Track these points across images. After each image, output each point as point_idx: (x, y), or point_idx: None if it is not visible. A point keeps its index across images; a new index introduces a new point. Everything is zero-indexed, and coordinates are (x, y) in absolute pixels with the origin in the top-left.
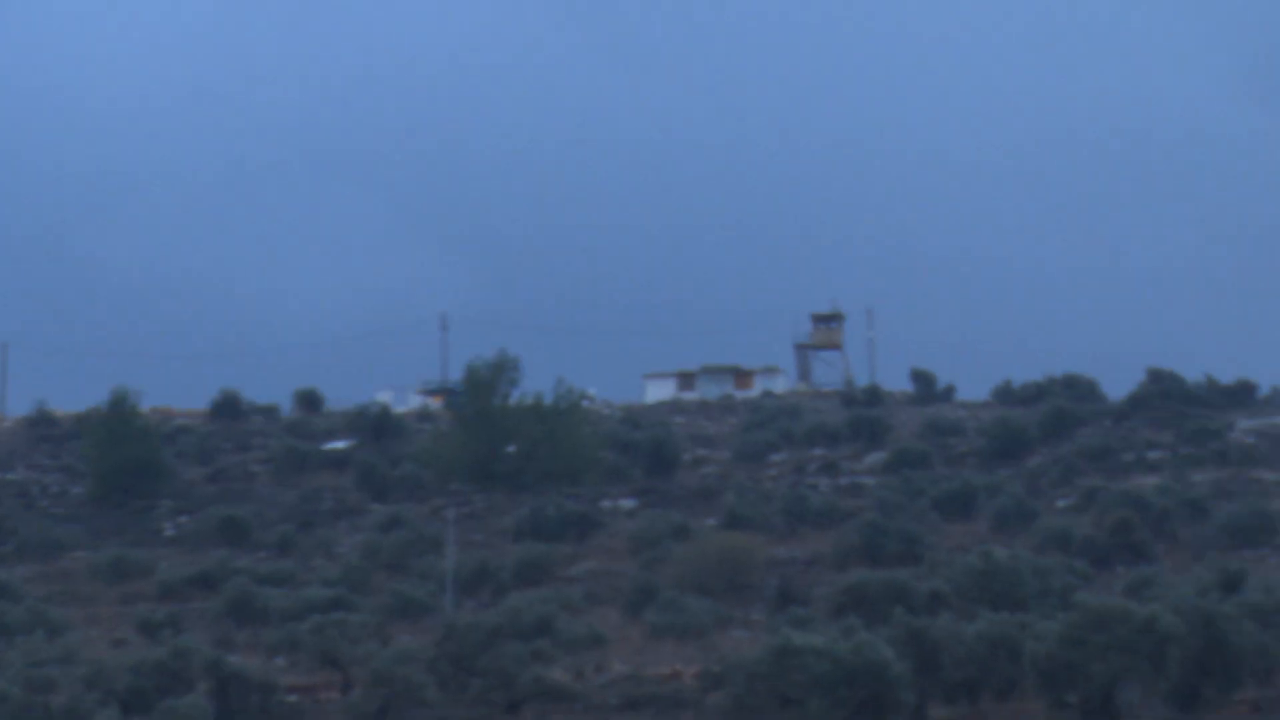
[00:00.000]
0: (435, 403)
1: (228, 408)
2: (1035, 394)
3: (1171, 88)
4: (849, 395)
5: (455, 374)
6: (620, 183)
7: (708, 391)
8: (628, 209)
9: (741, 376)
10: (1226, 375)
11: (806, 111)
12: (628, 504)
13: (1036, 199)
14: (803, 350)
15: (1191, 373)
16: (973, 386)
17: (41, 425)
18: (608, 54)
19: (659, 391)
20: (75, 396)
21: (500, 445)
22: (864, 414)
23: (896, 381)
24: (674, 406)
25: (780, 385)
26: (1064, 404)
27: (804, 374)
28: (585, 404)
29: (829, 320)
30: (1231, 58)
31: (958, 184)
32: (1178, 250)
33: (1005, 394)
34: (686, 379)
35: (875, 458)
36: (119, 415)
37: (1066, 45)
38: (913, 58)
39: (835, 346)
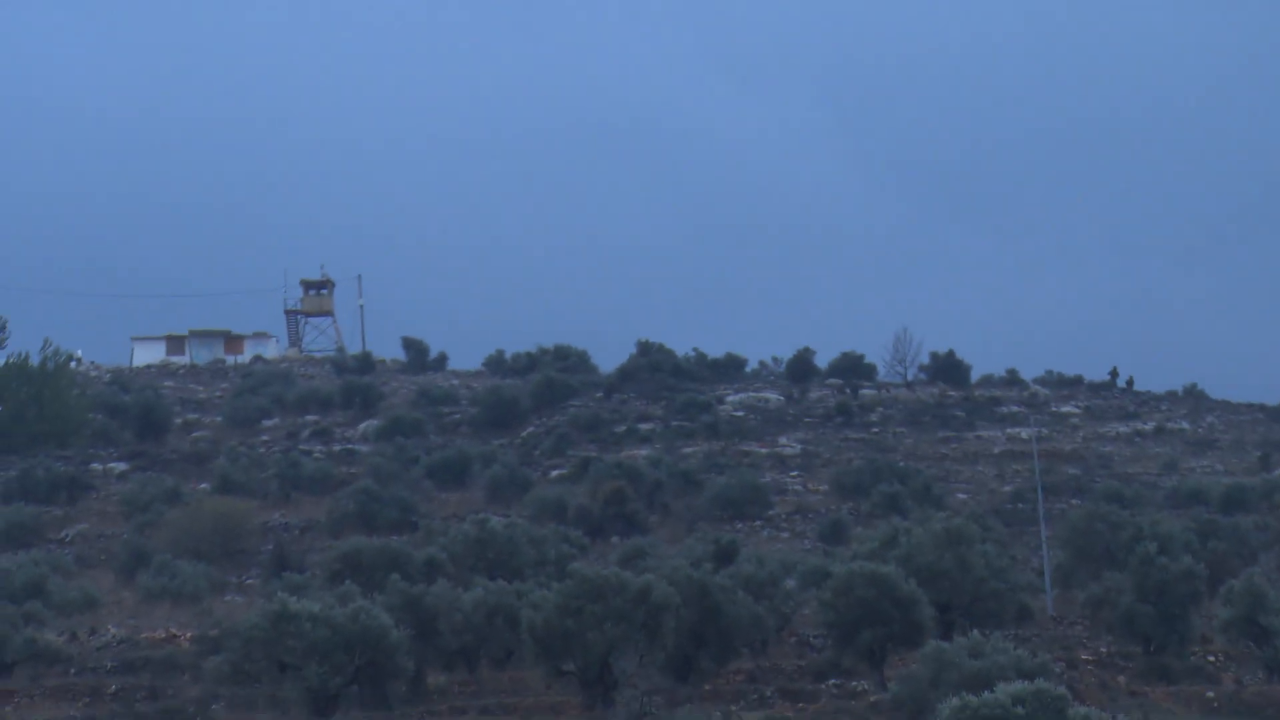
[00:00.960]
0: None
1: None
2: (527, 364)
3: (668, 84)
4: (341, 362)
5: None
6: (111, 151)
7: (198, 355)
8: (122, 177)
9: (232, 341)
10: (715, 350)
11: (293, 87)
12: (119, 467)
13: (524, 177)
14: (293, 316)
15: (681, 347)
16: (464, 356)
17: None
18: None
19: (147, 355)
20: None
21: None
22: (356, 381)
23: (388, 350)
24: (163, 370)
25: (271, 351)
26: (555, 375)
27: (295, 340)
28: (73, 366)
29: (319, 287)
30: (720, 60)
31: (444, 159)
32: (664, 232)
33: (497, 364)
34: (176, 342)
35: (368, 425)
36: None
37: (553, 35)
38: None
39: (326, 313)
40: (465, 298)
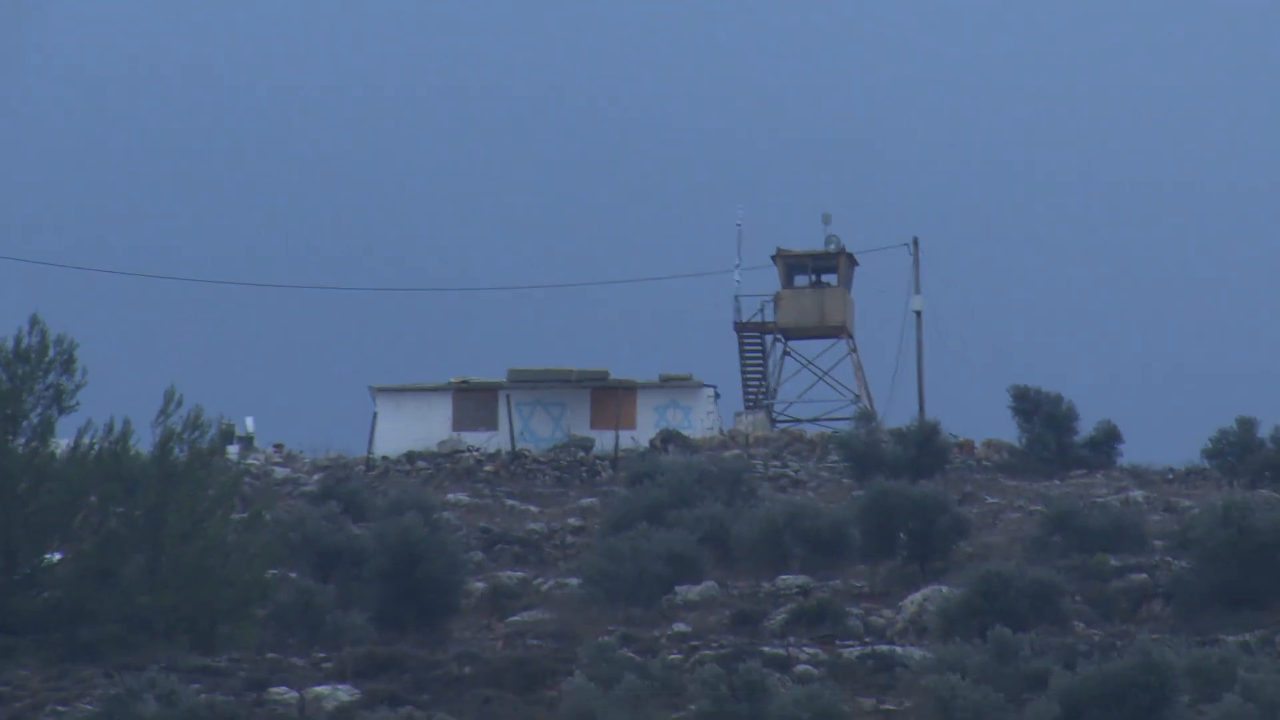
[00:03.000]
0: None
1: None
2: None
3: None
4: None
5: None
6: None
7: (531, 428)
8: None
9: (603, 399)
10: None
11: None
12: (340, 693)
13: None
14: (754, 335)
15: None
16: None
17: None
18: None
19: (407, 425)
20: None
21: None
22: None
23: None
24: (449, 461)
25: (703, 421)
26: None
27: (760, 392)
28: (233, 454)
29: (816, 264)
30: None
31: None
32: None
33: None
34: (478, 399)
35: None
36: None
37: None
38: None
39: (835, 329)
40: None
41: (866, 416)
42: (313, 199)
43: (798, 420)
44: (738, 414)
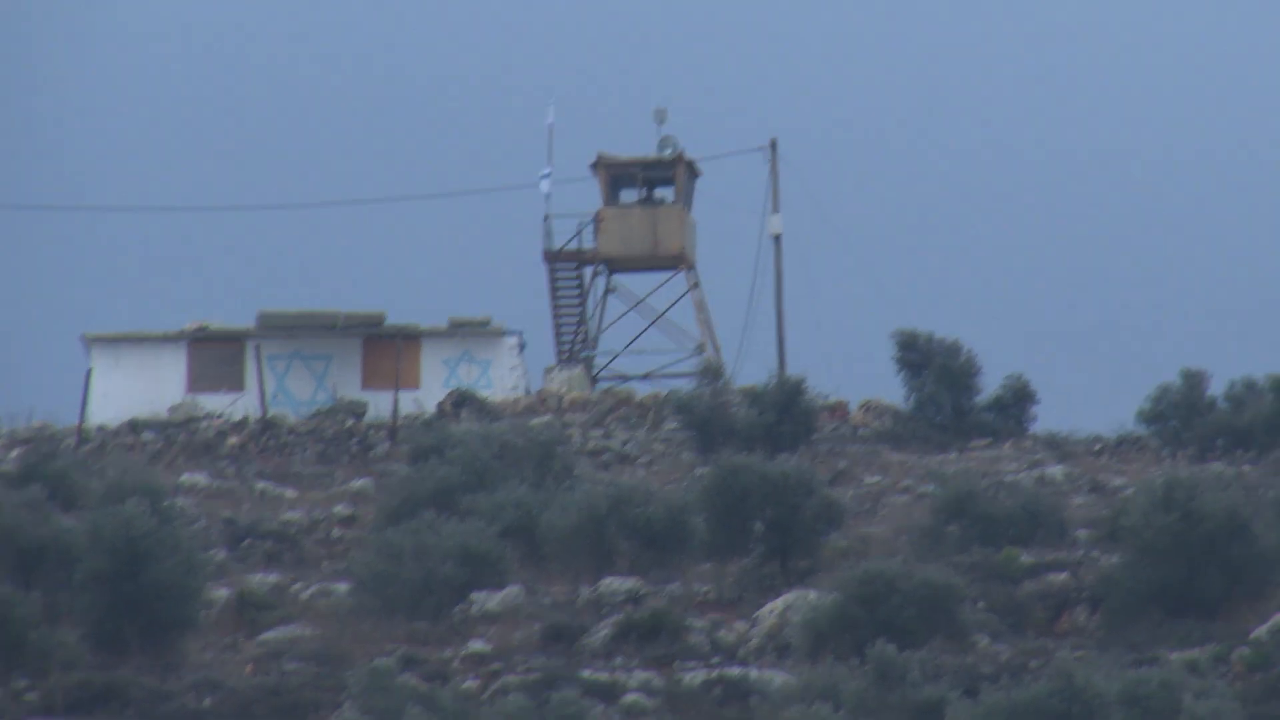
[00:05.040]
0: None
1: None
2: None
3: None
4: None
5: None
6: None
7: (288, 390)
8: None
9: (376, 350)
10: None
11: None
12: None
13: None
14: (568, 267)
15: None
16: None
17: None
18: None
19: (130, 385)
20: None
21: None
22: None
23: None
24: (185, 433)
25: (503, 379)
26: None
27: (575, 337)
28: None
29: (645, 175)
30: None
31: None
32: None
33: None
34: (220, 351)
35: None
36: None
37: None
38: None
39: (670, 259)
40: None
41: (712, 372)
42: (9, 94)
43: (625, 378)
44: (549, 369)
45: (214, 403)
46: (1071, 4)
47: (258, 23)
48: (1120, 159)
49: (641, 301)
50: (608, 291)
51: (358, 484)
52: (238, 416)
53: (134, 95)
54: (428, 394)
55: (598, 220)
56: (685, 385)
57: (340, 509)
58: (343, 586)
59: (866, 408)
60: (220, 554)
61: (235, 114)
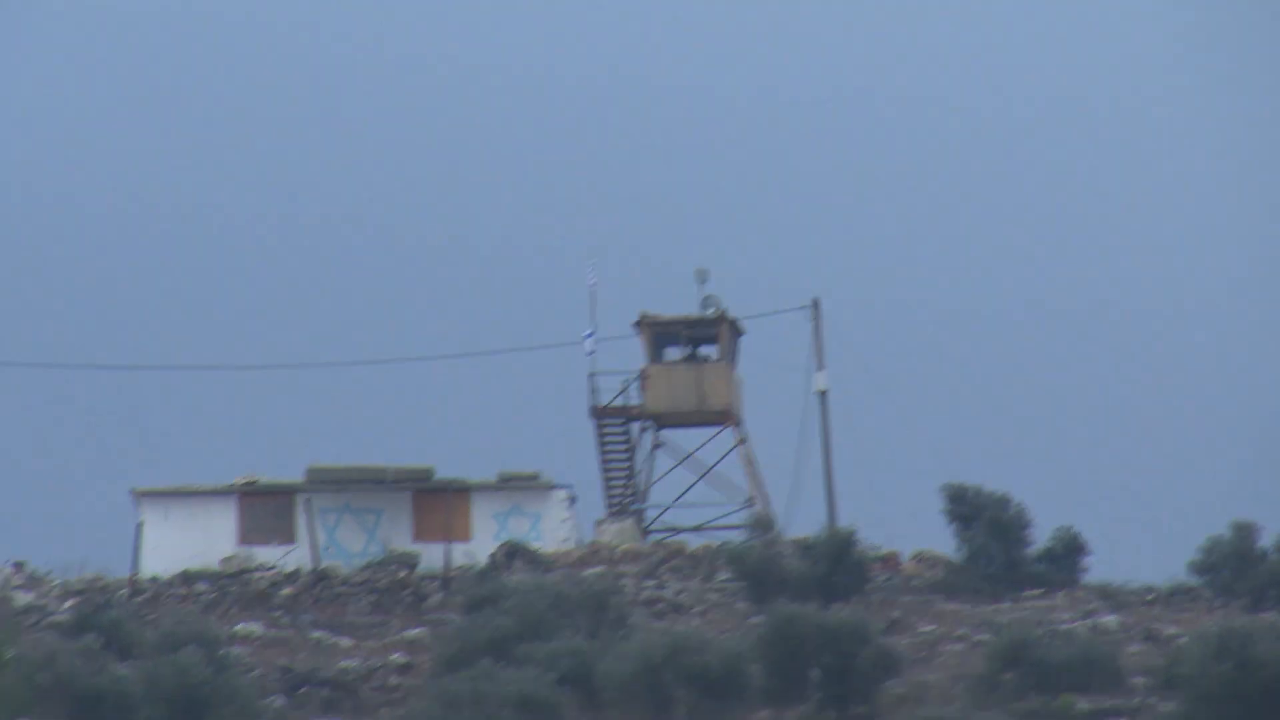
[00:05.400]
0: None
1: None
2: None
3: None
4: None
5: None
6: None
7: (338, 543)
8: None
9: (425, 505)
10: None
11: None
12: None
13: None
14: (624, 424)
15: None
16: None
17: None
18: None
19: (180, 538)
20: None
21: None
22: None
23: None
24: (236, 586)
25: (554, 529)
26: None
27: (625, 489)
28: None
29: (693, 333)
30: None
31: None
32: None
33: None
34: (268, 505)
35: None
36: None
37: None
38: None
39: (716, 415)
40: None
41: (763, 524)
42: (59, 257)
43: (676, 529)
44: (599, 522)
45: (266, 554)
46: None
47: (305, 176)
48: (1168, 305)
49: (690, 456)
50: (655, 446)
51: (412, 633)
52: (290, 568)
53: (182, 253)
54: (479, 545)
55: (643, 377)
56: (736, 537)
57: (396, 657)
58: None
59: (919, 558)
60: (278, 701)
61: (283, 271)
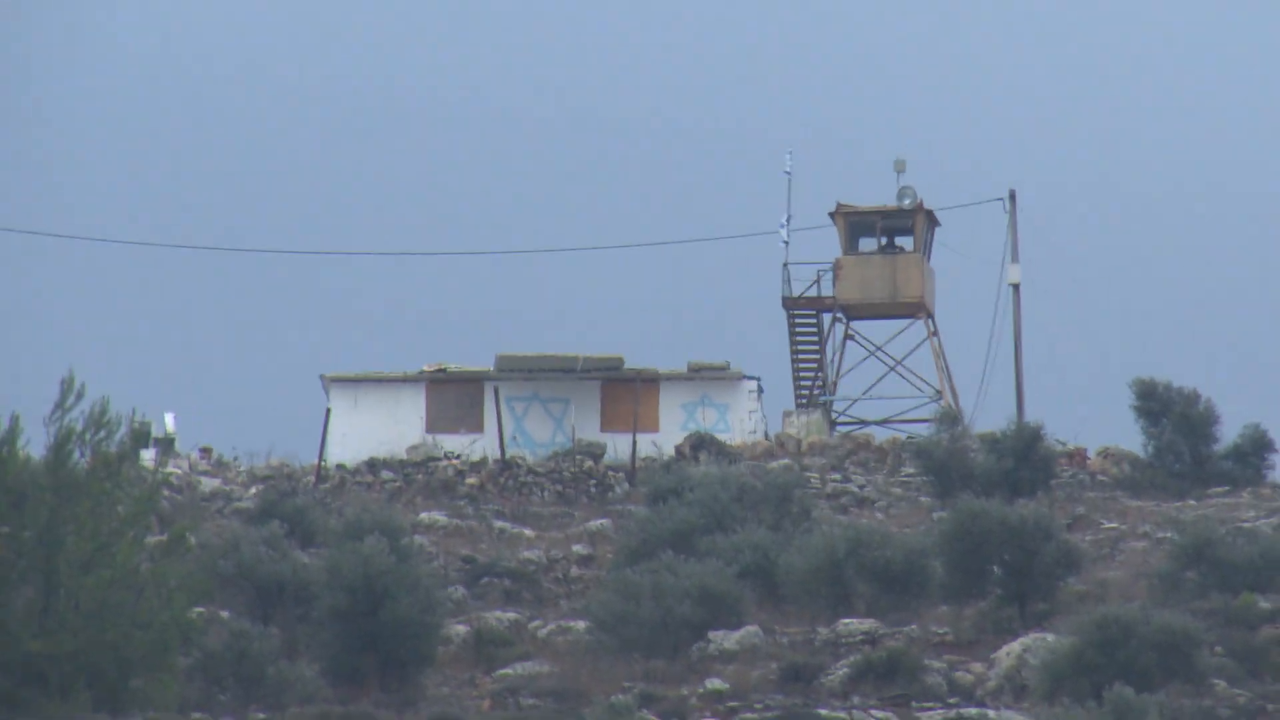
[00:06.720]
0: None
1: None
2: None
3: None
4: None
5: None
6: None
7: (527, 431)
8: None
9: (616, 394)
10: None
11: None
12: None
13: None
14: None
15: None
16: None
17: None
18: None
19: (368, 427)
20: None
21: None
22: None
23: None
24: (421, 475)
25: (742, 421)
26: None
27: (818, 381)
28: (148, 459)
29: (887, 225)
30: None
31: None
32: None
33: None
34: (461, 391)
35: None
36: None
37: None
38: None
39: (913, 307)
40: None
41: (950, 418)
42: (251, 149)
43: (863, 422)
44: (787, 414)
45: (452, 443)
46: None
47: (500, 59)
48: None
49: (880, 349)
50: (846, 338)
51: (596, 524)
52: (476, 457)
53: (375, 139)
54: (666, 437)
55: (837, 268)
56: (923, 431)
57: (578, 548)
58: (580, 625)
59: (1105, 454)
60: (458, 591)
61: (474, 157)
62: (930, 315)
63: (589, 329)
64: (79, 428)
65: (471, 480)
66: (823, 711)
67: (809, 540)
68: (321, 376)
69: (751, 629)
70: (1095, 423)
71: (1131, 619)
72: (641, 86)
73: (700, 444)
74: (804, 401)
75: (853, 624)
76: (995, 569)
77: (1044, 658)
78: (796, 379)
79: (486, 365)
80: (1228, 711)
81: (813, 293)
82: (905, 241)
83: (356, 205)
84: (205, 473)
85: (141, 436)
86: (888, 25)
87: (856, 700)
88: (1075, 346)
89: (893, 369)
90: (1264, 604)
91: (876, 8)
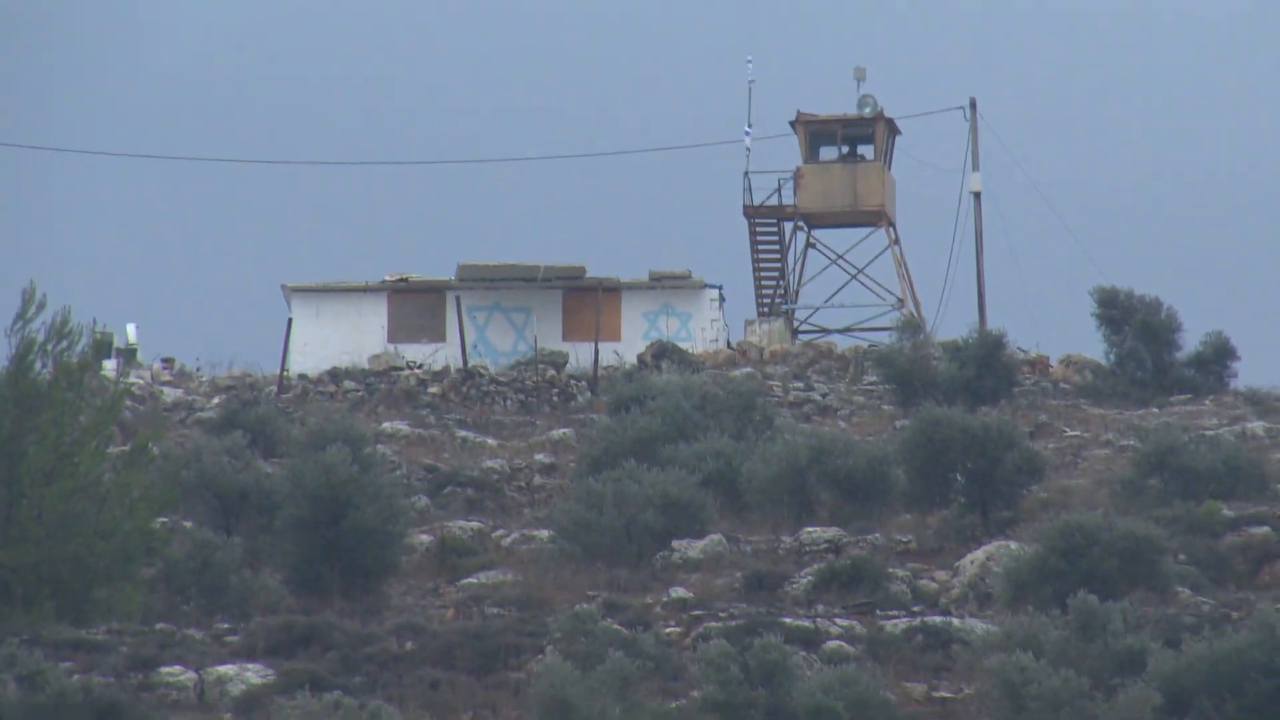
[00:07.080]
0: None
1: None
2: None
3: None
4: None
5: None
6: None
7: (488, 340)
8: None
9: (577, 300)
10: None
11: None
12: (247, 674)
13: None
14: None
15: None
16: None
17: None
18: None
19: (330, 335)
20: None
21: None
22: None
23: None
24: (383, 383)
25: (703, 330)
26: None
27: (768, 287)
28: (109, 369)
29: (847, 132)
30: None
31: None
32: None
33: None
34: (421, 301)
35: None
36: None
37: None
38: None
39: (873, 215)
40: None
41: (912, 326)
42: (214, 57)
43: (825, 330)
44: (749, 322)
45: (414, 352)
46: None
47: None
48: None
49: (842, 257)
50: (808, 246)
51: (558, 433)
52: (438, 366)
53: (338, 50)
54: (628, 346)
55: (798, 176)
56: (885, 339)
57: (541, 457)
58: (544, 533)
59: (1067, 363)
60: (421, 501)
61: (436, 69)
62: (891, 224)
63: (551, 238)
64: (40, 338)
65: (434, 389)
66: (787, 620)
67: (771, 448)
68: (283, 286)
69: (715, 537)
70: (1057, 331)
71: (1095, 526)
72: None
73: (662, 352)
74: (766, 310)
75: (816, 532)
76: (958, 477)
77: (1007, 566)
78: (758, 287)
79: (448, 275)
80: (1191, 619)
81: (774, 201)
82: (866, 150)
83: (319, 115)
84: (167, 383)
85: (103, 347)
86: None
87: (820, 609)
88: (1037, 255)
89: (854, 277)
90: (1227, 512)
91: None
